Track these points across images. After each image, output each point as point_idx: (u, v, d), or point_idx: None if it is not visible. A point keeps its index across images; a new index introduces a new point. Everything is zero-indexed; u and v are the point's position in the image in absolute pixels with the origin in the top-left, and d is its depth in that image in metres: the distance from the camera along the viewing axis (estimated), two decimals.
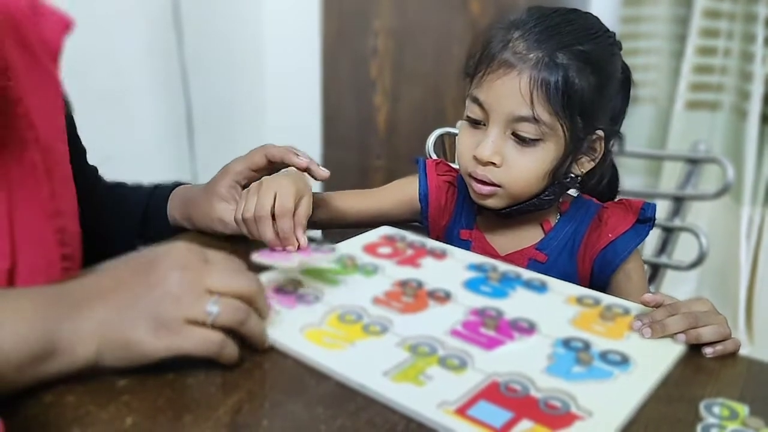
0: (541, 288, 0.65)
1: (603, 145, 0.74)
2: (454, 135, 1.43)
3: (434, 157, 1.39)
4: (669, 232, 1.20)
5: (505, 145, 0.71)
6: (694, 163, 1.21)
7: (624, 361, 0.52)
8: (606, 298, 0.64)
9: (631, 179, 1.84)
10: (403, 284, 0.64)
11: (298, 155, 0.75)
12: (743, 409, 0.47)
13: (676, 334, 0.56)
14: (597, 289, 0.75)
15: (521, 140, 0.70)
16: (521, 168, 0.71)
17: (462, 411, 0.45)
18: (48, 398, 0.46)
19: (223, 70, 1.69)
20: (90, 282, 0.50)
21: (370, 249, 0.73)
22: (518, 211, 0.76)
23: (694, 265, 1.20)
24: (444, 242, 0.82)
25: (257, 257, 0.63)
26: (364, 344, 0.54)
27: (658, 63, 1.84)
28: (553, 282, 0.67)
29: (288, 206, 0.65)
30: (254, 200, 0.66)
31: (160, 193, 0.83)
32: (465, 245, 0.79)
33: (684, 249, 1.24)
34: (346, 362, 0.51)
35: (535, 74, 0.68)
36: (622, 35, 0.75)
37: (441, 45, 1.83)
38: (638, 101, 1.83)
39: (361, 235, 0.77)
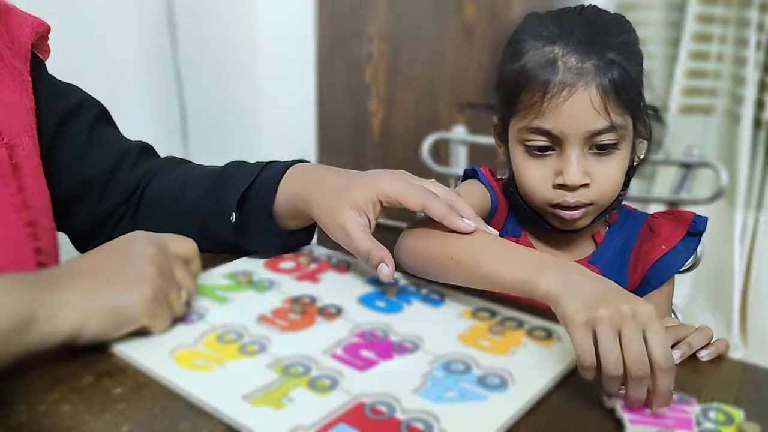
0: (438, 302, 0.62)
1: (649, 123, 0.73)
2: (448, 140, 1.43)
3: (429, 161, 1.39)
4: None
5: (587, 162, 0.67)
6: (687, 167, 1.21)
7: (502, 384, 0.49)
8: (503, 311, 0.61)
9: None
10: (295, 300, 0.61)
11: (462, 218, 0.62)
12: (739, 414, 0.47)
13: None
14: None
15: (601, 151, 0.67)
16: (608, 178, 0.68)
17: None
18: (42, 407, 0.46)
19: (217, 74, 1.69)
20: (64, 267, 0.53)
21: (272, 264, 0.69)
22: (595, 220, 0.73)
23: (689, 268, 1.20)
24: None
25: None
26: (235, 365, 0.50)
27: (652, 67, 1.84)
28: (452, 295, 0.63)
29: (669, 357, 0.46)
30: (616, 345, 0.46)
31: (272, 171, 0.70)
32: None
33: None
34: (208, 385, 0.47)
35: (600, 82, 0.65)
36: None
37: (435, 50, 1.84)
38: None
39: None
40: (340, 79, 1.91)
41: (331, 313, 0.59)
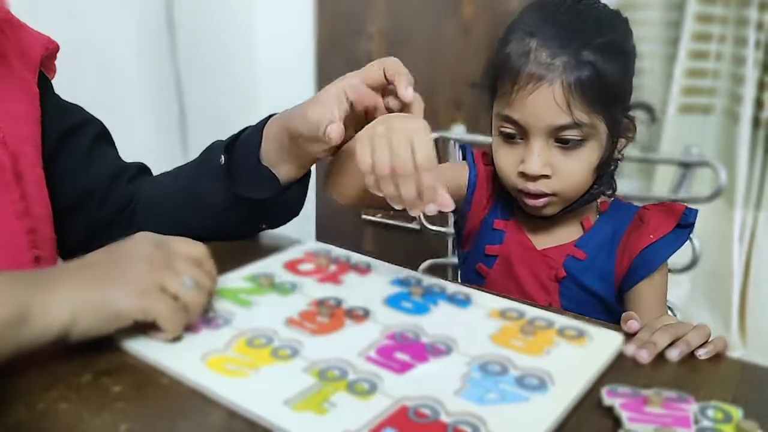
0: (465, 302, 0.62)
1: (635, 122, 0.74)
2: (447, 139, 1.43)
3: None
4: None
5: (551, 154, 0.70)
6: (686, 166, 1.21)
7: (541, 384, 0.49)
8: (531, 311, 0.60)
9: (624, 183, 1.84)
10: (320, 303, 0.61)
11: (408, 86, 0.64)
12: (737, 412, 0.47)
13: (666, 348, 0.55)
14: (624, 291, 0.75)
15: (566, 145, 0.70)
16: (572, 172, 0.71)
17: None
18: (41, 406, 0.46)
19: (216, 73, 1.69)
20: (60, 266, 0.54)
21: (291, 266, 0.69)
22: (569, 210, 0.75)
23: (687, 267, 1.20)
24: (478, 232, 0.82)
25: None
26: (269, 370, 0.50)
27: (651, 67, 1.85)
28: (477, 295, 0.63)
29: (434, 158, 0.55)
30: (387, 151, 0.56)
31: (256, 124, 0.74)
32: (498, 235, 0.79)
33: (674, 255, 1.25)
34: (246, 391, 0.47)
35: (566, 80, 0.67)
36: None
37: (434, 48, 1.84)
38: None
39: (284, 252, 0.72)
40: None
41: (359, 315, 0.59)
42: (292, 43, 1.74)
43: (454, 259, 1.35)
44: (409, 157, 0.55)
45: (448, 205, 0.57)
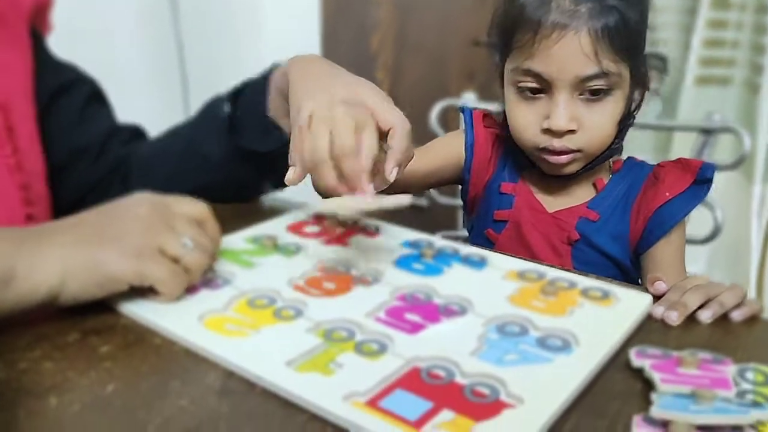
0: (480, 263, 0.59)
1: (650, 72, 0.71)
2: (457, 107, 1.39)
3: (438, 128, 1.35)
4: None
5: (576, 108, 0.66)
6: (708, 133, 1.17)
7: (565, 346, 0.46)
8: (551, 272, 0.57)
9: (639, 155, 1.80)
10: (328, 269, 0.57)
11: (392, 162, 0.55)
12: None
13: (697, 310, 0.51)
14: (640, 253, 0.72)
15: (593, 97, 0.66)
16: (598, 125, 0.67)
17: (373, 403, 0.39)
18: (22, 365, 0.43)
19: (220, 42, 1.65)
20: (50, 224, 0.50)
21: (295, 228, 0.66)
22: (589, 168, 0.72)
23: (708, 239, 1.16)
24: (483, 197, 0.78)
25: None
26: (271, 330, 0.47)
27: (668, 37, 1.79)
28: (493, 257, 0.60)
29: (349, 144, 0.51)
30: (309, 140, 0.52)
31: (265, 70, 0.68)
32: (507, 199, 0.76)
33: (694, 225, 1.21)
34: (245, 351, 0.44)
35: (593, 27, 0.63)
36: None
37: (445, 16, 1.78)
38: None
39: (288, 214, 0.69)
40: (345, 48, 1.86)
41: (367, 279, 0.56)
42: (298, 12, 1.70)
43: (464, 232, 1.31)
44: (325, 145, 0.51)
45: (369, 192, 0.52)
